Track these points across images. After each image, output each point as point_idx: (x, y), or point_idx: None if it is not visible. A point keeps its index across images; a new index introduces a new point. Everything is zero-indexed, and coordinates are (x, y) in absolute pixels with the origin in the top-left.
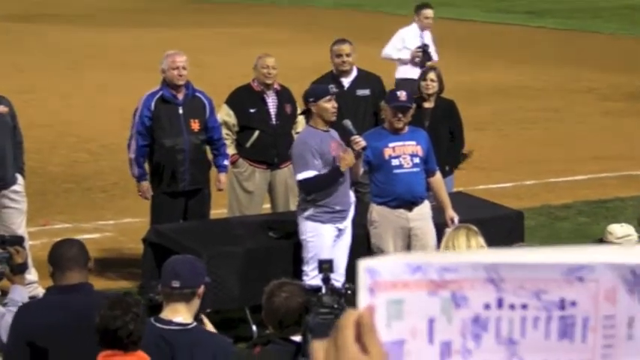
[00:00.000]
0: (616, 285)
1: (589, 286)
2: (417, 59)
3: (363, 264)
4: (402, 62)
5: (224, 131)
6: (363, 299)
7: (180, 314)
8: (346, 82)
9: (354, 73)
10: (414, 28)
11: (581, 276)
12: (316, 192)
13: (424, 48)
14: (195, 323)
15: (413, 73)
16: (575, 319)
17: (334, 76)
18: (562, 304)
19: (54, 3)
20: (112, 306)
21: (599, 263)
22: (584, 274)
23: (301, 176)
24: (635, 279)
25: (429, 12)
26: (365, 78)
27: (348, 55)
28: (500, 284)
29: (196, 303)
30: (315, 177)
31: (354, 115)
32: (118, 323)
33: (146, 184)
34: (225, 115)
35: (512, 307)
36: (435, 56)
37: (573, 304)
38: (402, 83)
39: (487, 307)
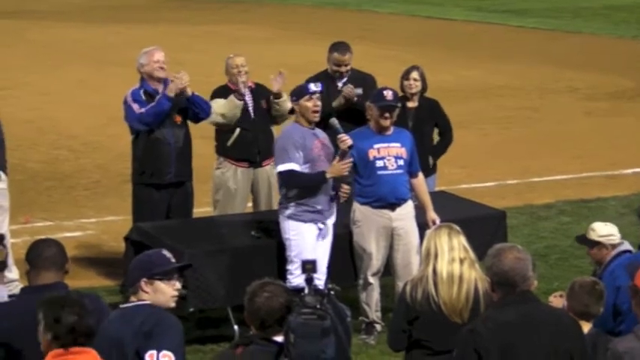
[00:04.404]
0: None
1: None
2: None
3: None
4: None
5: (219, 120)
6: None
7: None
8: (340, 82)
9: (348, 73)
10: None
11: None
12: (294, 187)
13: None
14: (148, 302)
15: None
16: None
17: (328, 76)
18: None
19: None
20: (65, 304)
21: None
22: None
23: (282, 167)
24: None
25: None
26: (358, 78)
27: (346, 65)
28: None
29: (151, 293)
30: (300, 173)
31: (346, 115)
32: (74, 319)
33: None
34: (220, 106)
35: None
36: None
37: None
38: None
39: None
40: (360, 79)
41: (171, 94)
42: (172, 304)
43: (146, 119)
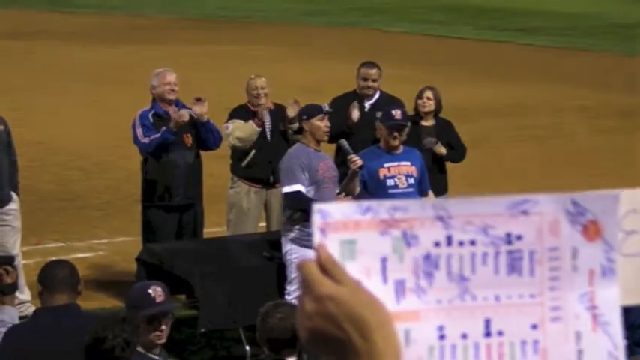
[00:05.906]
0: (559, 217)
1: (533, 219)
2: None
3: (316, 207)
4: None
5: (236, 143)
6: (316, 240)
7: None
8: (367, 104)
9: (377, 95)
10: None
11: (525, 209)
12: (299, 209)
13: None
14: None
15: None
16: (522, 253)
17: (357, 95)
18: (509, 239)
19: (42, 20)
20: (104, 328)
21: (542, 196)
22: (527, 208)
23: (288, 189)
24: (576, 210)
25: None
26: (386, 101)
27: (374, 80)
28: (448, 221)
29: (152, 331)
30: (306, 197)
31: (371, 136)
32: (106, 345)
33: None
34: (238, 129)
35: (461, 243)
36: None
37: (519, 237)
38: None
39: (437, 244)
40: (389, 102)
41: (174, 129)
42: (159, 343)
43: (149, 150)
